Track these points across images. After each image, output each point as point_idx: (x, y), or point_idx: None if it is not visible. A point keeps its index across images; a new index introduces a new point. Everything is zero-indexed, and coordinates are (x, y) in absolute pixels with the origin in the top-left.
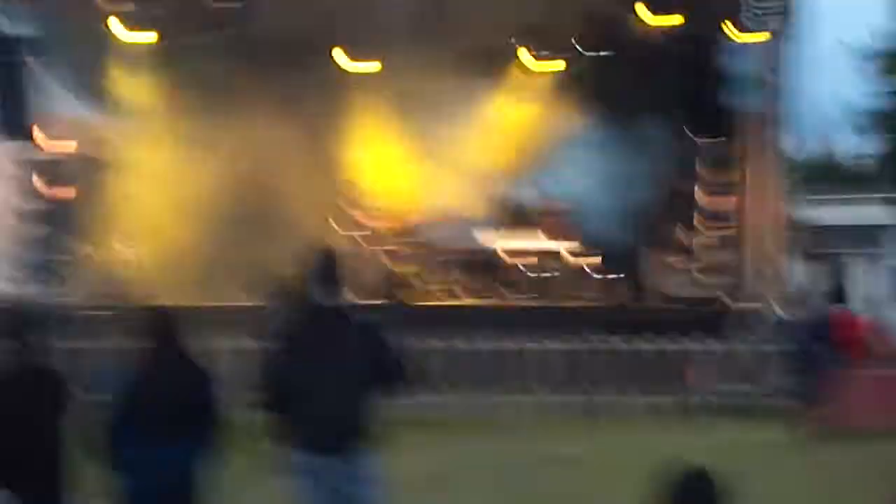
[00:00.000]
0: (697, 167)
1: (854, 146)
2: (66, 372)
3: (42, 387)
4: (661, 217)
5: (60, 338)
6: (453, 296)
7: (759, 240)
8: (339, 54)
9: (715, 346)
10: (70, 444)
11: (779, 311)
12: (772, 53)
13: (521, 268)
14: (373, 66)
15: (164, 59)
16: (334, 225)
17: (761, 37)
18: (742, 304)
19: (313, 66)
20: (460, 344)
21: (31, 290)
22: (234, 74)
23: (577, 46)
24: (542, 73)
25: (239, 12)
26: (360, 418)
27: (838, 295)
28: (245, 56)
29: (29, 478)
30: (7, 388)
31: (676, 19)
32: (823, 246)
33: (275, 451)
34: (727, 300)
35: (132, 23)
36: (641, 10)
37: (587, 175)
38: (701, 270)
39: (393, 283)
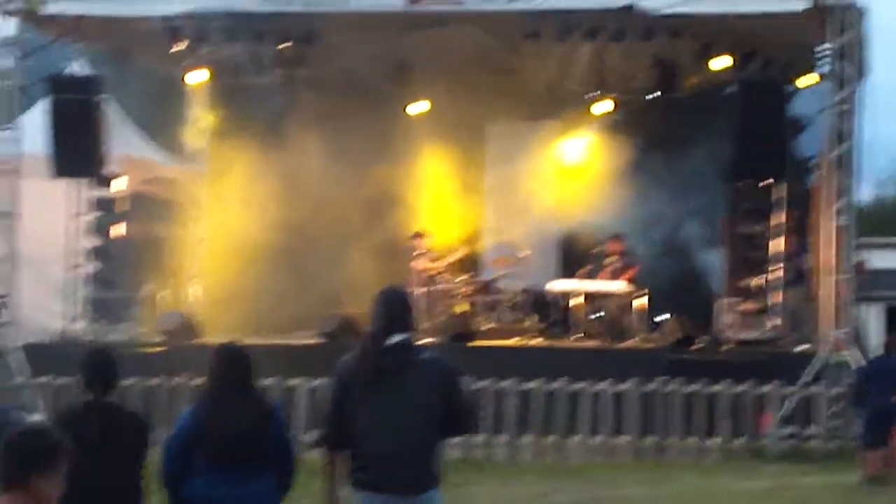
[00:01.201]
0: (764, 211)
1: None
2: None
3: (126, 429)
4: (727, 261)
5: (129, 377)
6: (517, 336)
7: (827, 285)
8: (400, 93)
9: (783, 389)
10: (147, 483)
11: (847, 356)
12: (840, 98)
13: (584, 309)
14: (427, 106)
15: (227, 99)
16: (400, 263)
17: (829, 81)
18: (809, 349)
19: (375, 106)
20: (531, 385)
21: (97, 329)
22: (296, 115)
23: (646, 90)
24: (608, 115)
25: (298, 53)
26: (427, 458)
27: None
28: (306, 97)
29: None
30: (92, 431)
31: (744, 63)
32: (892, 291)
33: (329, 490)
34: (794, 344)
35: (194, 63)
36: (710, 54)
37: (653, 218)
38: (767, 313)
39: (455, 322)
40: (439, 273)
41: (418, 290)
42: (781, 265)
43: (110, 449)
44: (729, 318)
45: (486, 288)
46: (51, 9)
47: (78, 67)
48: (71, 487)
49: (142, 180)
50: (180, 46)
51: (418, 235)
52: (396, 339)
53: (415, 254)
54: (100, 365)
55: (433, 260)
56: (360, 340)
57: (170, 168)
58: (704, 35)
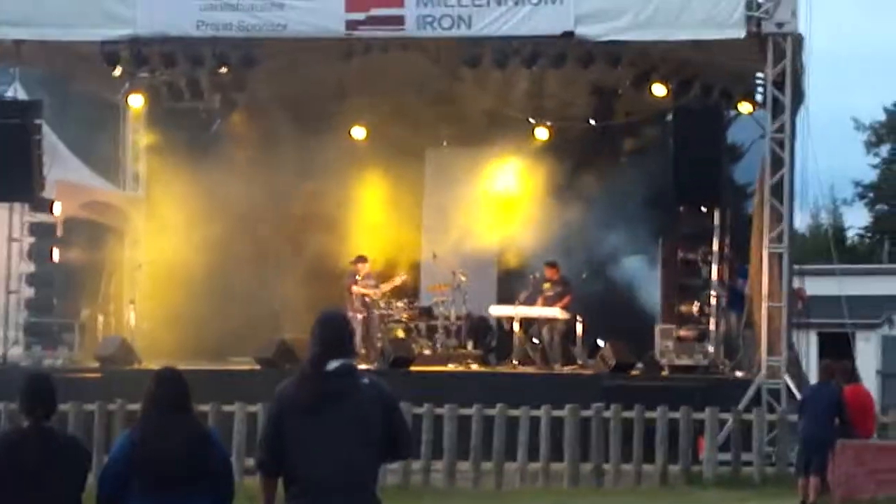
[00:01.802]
0: (702, 237)
1: (858, 217)
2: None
3: (65, 455)
4: (665, 286)
5: (66, 402)
6: (454, 362)
7: (764, 310)
8: (338, 117)
9: (719, 415)
10: None
11: (786, 382)
12: (776, 126)
13: (521, 335)
14: (366, 131)
15: (165, 124)
16: (338, 287)
17: (766, 108)
18: (746, 375)
19: (313, 131)
20: (468, 411)
21: (33, 355)
22: (234, 140)
23: (584, 117)
24: (547, 141)
25: (236, 78)
26: (366, 484)
27: (845, 367)
28: (244, 122)
29: None
30: (32, 457)
31: (683, 90)
32: (829, 317)
33: None
34: (731, 370)
35: (132, 87)
36: (648, 81)
37: (588, 243)
38: (703, 340)
39: (393, 348)
40: (378, 298)
41: (357, 315)
42: (717, 291)
43: (49, 475)
44: (666, 344)
45: (424, 313)
46: None
47: (15, 92)
48: None
49: (79, 205)
50: (118, 71)
51: (359, 260)
52: (337, 364)
53: (356, 278)
54: (39, 391)
55: (373, 285)
56: (299, 366)
57: (107, 193)
58: (643, 62)
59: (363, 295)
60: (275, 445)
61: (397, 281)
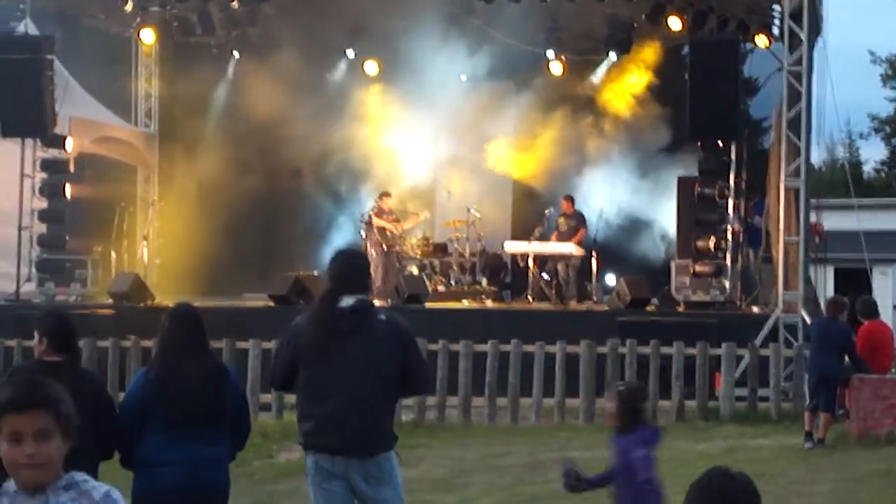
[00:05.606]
0: (719, 171)
1: (874, 151)
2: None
3: (88, 391)
4: (682, 222)
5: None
6: (469, 298)
7: (780, 245)
8: (353, 51)
9: (736, 351)
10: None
11: (803, 317)
12: (793, 59)
13: (536, 271)
14: (380, 66)
15: (177, 59)
16: (352, 223)
17: (783, 42)
18: (763, 310)
19: (327, 65)
20: (483, 347)
21: (46, 291)
22: (247, 75)
23: (599, 50)
24: (559, 76)
25: (248, 12)
26: (382, 420)
27: (864, 303)
28: (257, 56)
29: None
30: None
31: (699, 23)
32: (845, 252)
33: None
34: (748, 305)
35: (143, 22)
36: (664, 14)
37: (604, 178)
38: (720, 275)
39: (408, 284)
40: (398, 234)
41: (375, 251)
42: (734, 226)
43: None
44: (682, 280)
45: (438, 250)
46: None
47: (26, 28)
48: None
49: (91, 141)
50: (129, 5)
51: (384, 195)
52: (351, 300)
53: (381, 213)
54: (72, 328)
55: (394, 219)
56: (314, 302)
57: (119, 128)
58: None
59: (385, 229)
60: (289, 379)
61: (421, 217)
